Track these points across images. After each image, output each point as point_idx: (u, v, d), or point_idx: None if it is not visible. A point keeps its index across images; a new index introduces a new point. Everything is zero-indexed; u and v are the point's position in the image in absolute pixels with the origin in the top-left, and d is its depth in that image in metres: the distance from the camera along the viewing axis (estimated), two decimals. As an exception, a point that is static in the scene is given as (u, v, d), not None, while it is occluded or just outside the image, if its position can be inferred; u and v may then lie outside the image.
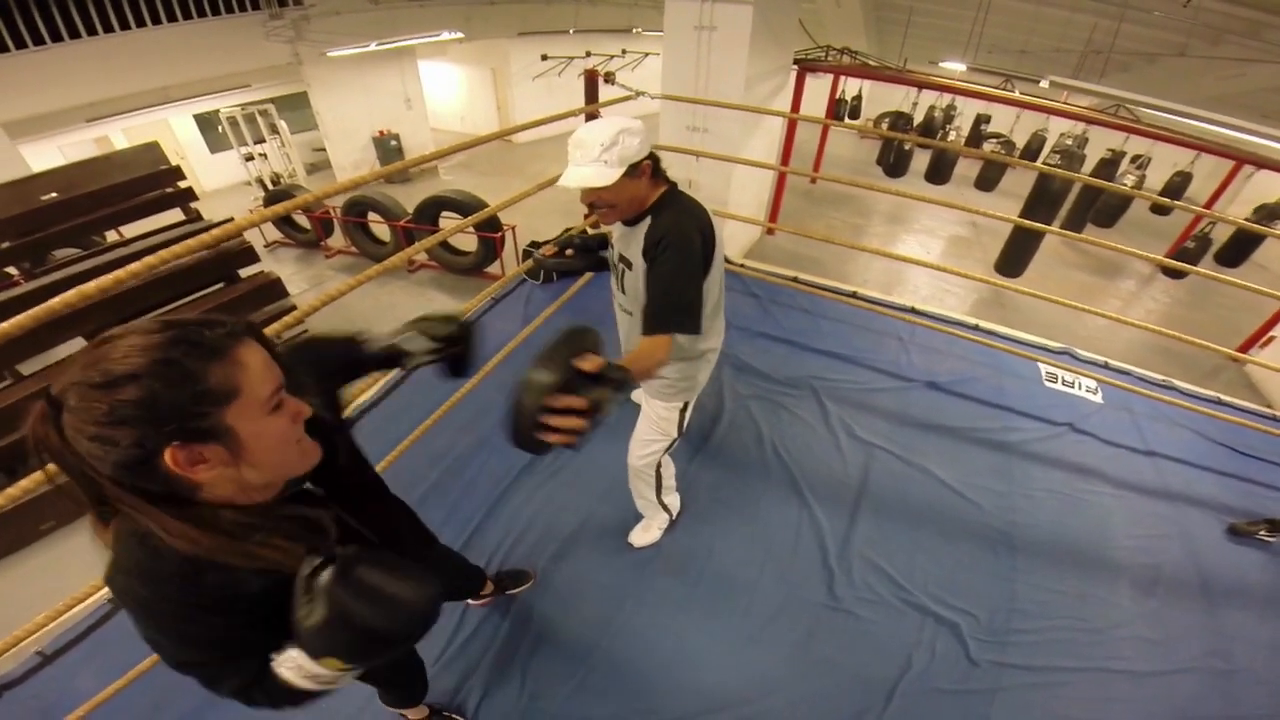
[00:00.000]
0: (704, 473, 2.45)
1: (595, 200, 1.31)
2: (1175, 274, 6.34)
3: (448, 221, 6.35)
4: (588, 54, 9.01)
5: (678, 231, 1.31)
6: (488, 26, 10.04)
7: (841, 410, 2.83)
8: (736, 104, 3.62)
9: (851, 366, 3.12)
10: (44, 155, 7.89)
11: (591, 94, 3.06)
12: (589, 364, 0.92)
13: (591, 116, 3.09)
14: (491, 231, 6.13)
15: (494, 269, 6.62)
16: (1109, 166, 6.03)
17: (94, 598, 1.48)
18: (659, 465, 1.90)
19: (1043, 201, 4.62)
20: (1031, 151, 7.16)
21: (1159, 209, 6.68)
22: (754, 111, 4.02)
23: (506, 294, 3.51)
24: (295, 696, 0.72)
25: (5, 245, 4.79)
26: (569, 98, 10.58)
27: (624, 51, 8.96)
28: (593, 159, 1.24)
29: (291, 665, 0.69)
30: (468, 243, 6.61)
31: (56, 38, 6.00)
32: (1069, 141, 4.80)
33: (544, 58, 10.09)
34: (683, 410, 1.70)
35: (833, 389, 2.95)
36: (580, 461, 2.49)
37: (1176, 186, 5.97)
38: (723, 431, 2.67)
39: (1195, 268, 3.01)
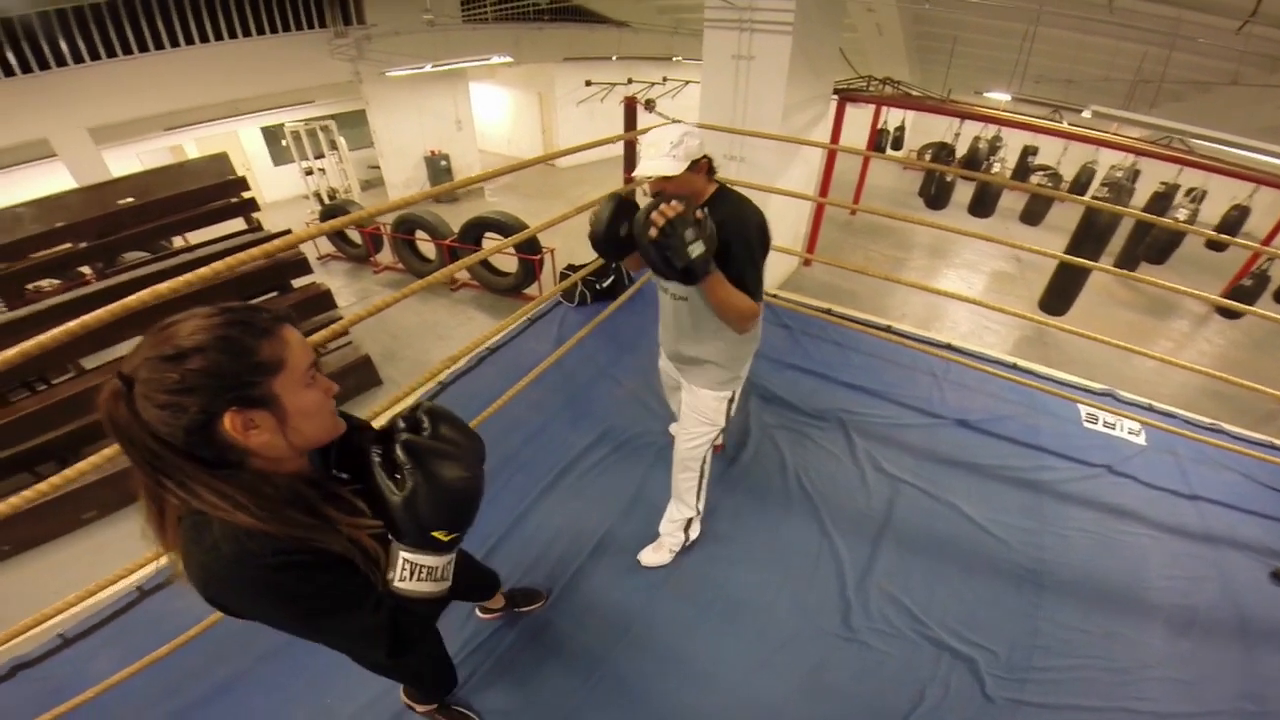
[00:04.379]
0: (725, 498, 2.45)
1: (663, 189, 1.54)
2: (1231, 314, 6.08)
3: (490, 242, 6.52)
4: (629, 80, 9.23)
5: (736, 219, 1.54)
6: (535, 50, 10.39)
7: (869, 444, 2.80)
8: (774, 134, 3.66)
9: (882, 401, 3.09)
10: (123, 161, 8.52)
11: (630, 121, 3.17)
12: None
13: (631, 144, 3.19)
14: (531, 253, 6.26)
15: (532, 290, 6.72)
16: (1162, 200, 5.84)
17: (121, 584, 1.53)
18: (705, 458, 2.00)
19: (1089, 236, 4.50)
20: (1080, 184, 6.98)
21: (1214, 244, 6.44)
22: (792, 142, 4.06)
23: (541, 315, 3.61)
24: (420, 615, 0.84)
25: (83, 246, 5.14)
26: (610, 124, 10.83)
27: (664, 79, 9.14)
28: (664, 154, 1.49)
29: (403, 567, 0.78)
30: (508, 264, 6.77)
31: (143, 48, 6.56)
32: (1119, 174, 4.68)
33: (588, 83, 10.39)
34: (730, 400, 1.89)
35: (861, 423, 2.93)
36: (604, 480, 2.54)
37: (1234, 221, 5.72)
38: (747, 459, 2.68)
39: (1251, 308, 2.89)
